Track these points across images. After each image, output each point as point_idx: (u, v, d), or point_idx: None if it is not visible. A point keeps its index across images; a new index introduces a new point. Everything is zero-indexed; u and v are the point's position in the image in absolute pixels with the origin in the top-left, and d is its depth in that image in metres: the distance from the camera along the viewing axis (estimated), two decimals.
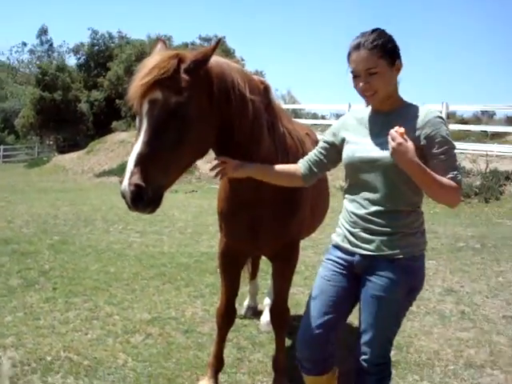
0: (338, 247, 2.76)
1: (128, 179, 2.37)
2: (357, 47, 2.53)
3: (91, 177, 22.75)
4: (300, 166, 2.89)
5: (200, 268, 6.71)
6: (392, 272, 2.55)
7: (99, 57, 39.59)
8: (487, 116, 40.42)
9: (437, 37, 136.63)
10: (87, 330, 4.65)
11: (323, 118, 36.39)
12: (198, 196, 8.53)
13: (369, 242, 2.59)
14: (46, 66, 38.65)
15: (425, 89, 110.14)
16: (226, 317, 3.66)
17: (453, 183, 2.47)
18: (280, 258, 3.46)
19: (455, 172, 2.50)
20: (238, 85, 2.80)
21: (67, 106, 37.44)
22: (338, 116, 19.91)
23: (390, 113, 2.62)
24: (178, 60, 2.54)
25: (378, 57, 2.49)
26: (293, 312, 5.20)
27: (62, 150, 37.11)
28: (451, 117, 17.34)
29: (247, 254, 3.66)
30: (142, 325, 4.82)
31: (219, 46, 2.70)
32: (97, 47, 40.52)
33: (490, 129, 18.35)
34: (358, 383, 2.77)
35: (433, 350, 4.52)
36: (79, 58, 41.85)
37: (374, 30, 2.55)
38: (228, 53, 39.07)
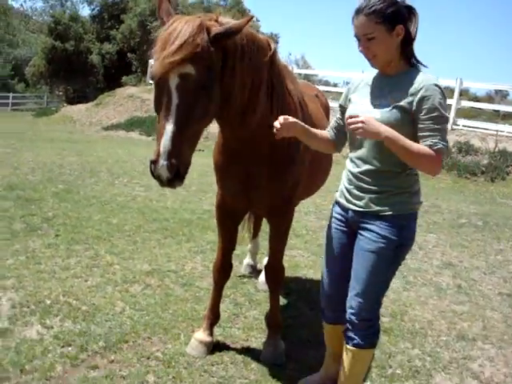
0: (337, 203, 2.93)
1: (165, 160, 2.39)
2: (357, 12, 2.56)
3: (99, 129, 22.72)
4: (328, 135, 2.96)
5: (202, 225, 6.76)
6: (379, 227, 2.66)
7: (113, 9, 39.03)
8: (500, 96, 40.07)
9: (456, 11, 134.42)
10: (87, 277, 4.71)
11: (335, 85, 36.18)
12: (204, 155, 8.52)
13: (359, 198, 2.73)
14: (59, 15, 38.23)
15: (440, 64, 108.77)
16: (222, 271, 3.71)
17: (431, 151, 2.50)
18: (274, 215, 3.50)
19: (435, 140, 2.51)
20: (247, 53, 2.80)
21: (78, 56, 37.14)
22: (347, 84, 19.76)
23: (392, 76, 2.67)
24: (207, 33, 2.51)
25: (375, 22, 2.51)
26: (292, 273, 5.30)
27: (71, 101, 36.98)
28: (464, 94, 17.17)
29: (243, 209, 3.67)
30: (142, 275, 4.89)
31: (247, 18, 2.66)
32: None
33: (502, 108, 18.13)
34: (346, 340, 2.86)
35: (426, 320, 4.57)
36: (93, 9, 41.29)
37: None
38: (244, 13, 38.57)
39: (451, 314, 4.76)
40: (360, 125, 2.45)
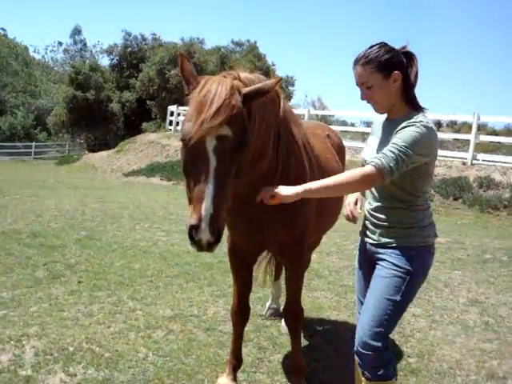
0: (360, 239, 3.09)
1: (208, 224, 2.37)
2: (355, 62, 2.71)
3: (120, 176, 22.98)
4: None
5: (223, 268, 6.73)
6: (390, 256, 2.78)
7: (132, 58, 39.93)
8: None
9: (472, 46, 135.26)
10: (110, 324, 4.70)
11: (352, 125, 36.34)
12: None
13: (373, 232, 2.89)
14: (80, 66, 39.18)
15: (456, 99, 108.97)
16: (240, 314, 3.70)
17: (357, 171, 2.60)
18: (286, 255, 3.51)
19: (376, 159, 2.56)
20: (261, 105, 2.85)
21: (99, 105, 37.86)
22: (367, 123, 19.80)
23: (393, 120, 2.77)
24: (239, 94, 2.56)
25: (371, 72, 2.66)
26: (316, 315, 5.24)
27: (92, 149, 37.58)
28: (482, 128, 17.14)
29: (254, 251, 3.66)
30: (164, 321, 4.87)
31: (277, 80, 2.71)
32: (130, 48, 40.85)
33: None
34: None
35: (455, 359, 4.46)
36: (112, 59, 42.26)
37: (372, 46, 2.69)
38: (259, 58, 39.18)
39: (480, 352, 4.64)
40: (272, 201, 2.69)
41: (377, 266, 2.84)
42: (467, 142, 16.39)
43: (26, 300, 5.13)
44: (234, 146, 2.49)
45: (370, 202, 2.91)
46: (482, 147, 16.57)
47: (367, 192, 2.93)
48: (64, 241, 7.75)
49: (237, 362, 3.74)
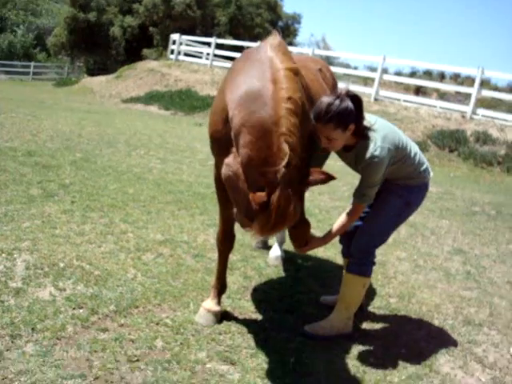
0: None
1: None
2: (316, 119, 3.14)
3: (118, 101, 22.78)
4: None
5: (216, 199, 6.79)
6: (392, 185, 3.63)
7: None
8: None
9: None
10: (101, 243, 4.78)
11: (355, 68, 35.90)
12: None
13: None
14: None
15: (462, 53, 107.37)
16: (225, 241, 3.78)
17: (346, 213, 3.51)
18: None
19: (358, 195, 3.44)
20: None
21: (100, 28, 37.12)
22: (370, 68, 19.54)
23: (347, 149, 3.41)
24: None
25: (332, 129, 3.13)
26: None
27: (92, 73, 37.08)
28: (485, 84, 16.95)
29: None
30: (154, 244, 4.96)
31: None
32: None
33: None
34: (345, 269, 3.81)
35: (434, 303, 4.60)
36: None
37: (329, 105, 3.09)
38: None
39: (459, 299, 4.78)
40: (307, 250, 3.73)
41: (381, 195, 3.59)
42: (469, 95, 16.28)
43: (19, 216, 5.17)
44: None
45: None
46: (482, 102, 16.46)
47: None
48: (59, 161, 7.75)
49: (221, 287, 3.84)
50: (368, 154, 3.25)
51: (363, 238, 3.68)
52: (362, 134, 3.28)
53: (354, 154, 3.37)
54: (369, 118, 3.36)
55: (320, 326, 3.77)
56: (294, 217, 2.84)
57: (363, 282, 3.72)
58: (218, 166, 3.48)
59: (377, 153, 3.25)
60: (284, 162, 2.69)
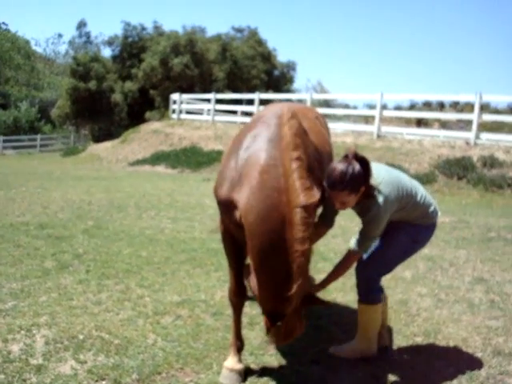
0: None
1: None
2: (331, 187, 3.36)
3: (125, 165, 23.02)
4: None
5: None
6: (400, 224, 3.86)
7: (133, 48, 39.67)
8: None
9: (473, 26, 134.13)
10: (118, 311, 4.75)
11: (355, 108, 36.18)
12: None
13: None
14: (81, 57, 39.18)
15: (460, 79, 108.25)
16: (239, 295, 3.78)
17: (342, 262, 3.77)
18: None
19: (356, 243, 3.69)
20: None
21: (101, 96, 37.85)
22: (369, 106, 19.69)
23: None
24: None
25: (347, 195, 3.38)
26: (322, 297, 5.27)
27: (97, 140, 37.59)
28: (485, 108, 16.95)
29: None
30: (172, 307, 4.92)
31: None
32: (130, 39, 40.60)
33: None
34: None
35: (461, 337, 4.51)
36: (113, 50, 42.07)
37: (342, 173, 3.31)
38: (260, 43, 39.00)
39: (485, 329, 4.69)
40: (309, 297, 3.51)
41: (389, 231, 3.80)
42: (470, 122, 16.34)
43: (36, 290, 5.17)
44: None
45: None
46: (485, 127, 16.50)
47: None
48: (71, 231, 7.80)
49: (240, 342, 3.80)
50: (370, 212, 3.55)
51: (369, 268, 3.93)
52: (370, 194, 3.52)
53: (359, 207, 3.64)
54: (375, 171, 3.55)
55: (344, 348, 4.10)
56: (300, 330, 3.27)
57: (374, 309, 3.97)
58: (224, 222, 3.60)
59: (378, 211, 3.54)
60: (294, 289, 3.00)
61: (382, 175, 3.61)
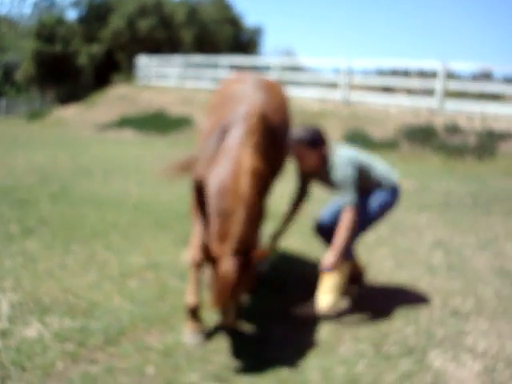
0: None
1: None
2: (295, 142, 4.10)
3: (91, 130, 22.67)
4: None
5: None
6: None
7: (99, 10, 38.76)
8: (485, 76, 39.80)
9: None
10: (84, 274, 4.77)
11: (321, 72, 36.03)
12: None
13: None
14: (46, 20, 38.11)
15: (423, 44, 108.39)
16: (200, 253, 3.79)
17: (343, 223, 3.99)
18: None
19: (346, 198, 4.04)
20: None
21: (67, 59, 36.97)
22: (336, 72, 19.61)
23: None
24: None
25: (308, 149, 4.08)
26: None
27: (63, 103, 36.88)
28: (450, 76, 16.97)
29: None
30: (138, 270, 4.97)
31: None
32: (96, 0, 39.67)
33: (488, 88, 18.03)
34: None
35: (420, 298, 4.64)
36: (79, 12, 41.02)
37: (305, 130, 4.14)
38: (227, 7, 38.49)
39: (444, 290, 4.83)
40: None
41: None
42: (432, 91, 16.44)
43: (1, 254, 5.15)
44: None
45: None
46: (449, 95, 16.63)
47: None
48: (37, 195, 7.74)
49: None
50: (336, 170, 4.07)
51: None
52: (328, 159, 4.13)
53: (327, 175, 4.18)
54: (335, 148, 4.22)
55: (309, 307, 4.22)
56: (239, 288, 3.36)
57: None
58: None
59: (342, 164, 4.06)
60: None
61: (340, 150, 4.22)
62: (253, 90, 4.11)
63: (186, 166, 5.14)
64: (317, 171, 4.22)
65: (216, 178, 3.57)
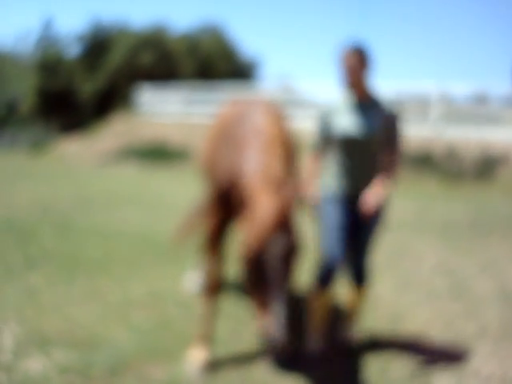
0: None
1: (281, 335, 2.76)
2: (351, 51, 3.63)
3: (93, 163, 22.78)
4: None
5: (196, 244, 6.84)
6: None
7: (101, 45, 39.25)
8: (481, 99, 40.01)
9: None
10: (88, 306, 4.78)
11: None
12: (198, 181, 8.69)
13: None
14: (48, 56, 38.66)
15: (419, 66, 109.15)
16: (215, 289, 3.83)
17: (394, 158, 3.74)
18: None
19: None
20: None
21: (69, 94, 37.46)
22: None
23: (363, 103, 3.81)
24: None
25: (360, 63, 3.65)
26: None
27: (64, 137, 37.13)
28: (446, 100, 17.03)
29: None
30: (141, 299, 4.97)
31: None
32: (97, 37, 40.15)
33: (485, 112, 18.09)
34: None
35: (422, 322, 4.65)
36: (81, 47, 41.55)
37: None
38: (226, 41, 39.01)
39: (446, 314, 4.84)
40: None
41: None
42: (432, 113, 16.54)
43: (3, 287, 5.17)
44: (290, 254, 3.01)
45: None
46: (446, 118, 16.71)
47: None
48: (40, 228, 7.77)
49: (210, 334, 3.87)
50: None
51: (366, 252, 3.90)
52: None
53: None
54: None
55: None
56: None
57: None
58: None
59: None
60: None
61: None
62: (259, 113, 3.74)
63: (194, 221, 5.38)
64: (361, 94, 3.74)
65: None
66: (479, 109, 17.23)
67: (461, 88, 17.36)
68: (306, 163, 3.91)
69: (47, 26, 52.66)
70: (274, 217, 2.90)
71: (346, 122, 3.69)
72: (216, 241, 3.75)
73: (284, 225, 2.93)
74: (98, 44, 39.40)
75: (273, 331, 2.72)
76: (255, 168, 3.21)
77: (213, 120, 4.19)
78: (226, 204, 3.56)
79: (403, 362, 3.91)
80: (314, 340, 4.00)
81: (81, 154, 25.11)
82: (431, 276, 5.94)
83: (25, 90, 44.87)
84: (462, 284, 5.68)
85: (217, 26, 40.59)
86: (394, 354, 4.04)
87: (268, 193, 3.04)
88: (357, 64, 3.57)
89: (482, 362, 3.95)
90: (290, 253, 2.93)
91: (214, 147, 3.81)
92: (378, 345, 4.18)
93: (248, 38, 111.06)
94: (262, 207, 2.96)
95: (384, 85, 19.11)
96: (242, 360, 3.88)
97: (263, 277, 2.87)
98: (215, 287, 3.82)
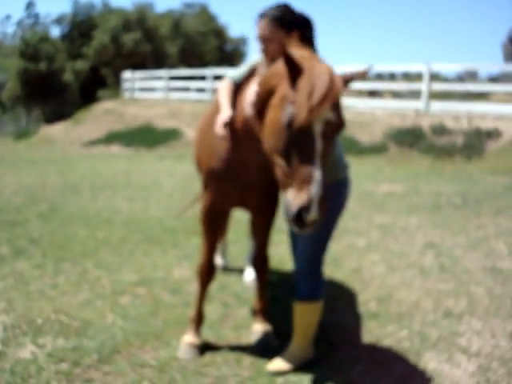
0: None
1: (317, 204, 2.51)
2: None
3: (78, 147, 22.62)
4: None
5: (186, 230, 6.83)
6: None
7: (82, 26, 38.82)
8: (470, 76, 40.21)
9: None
10: (76, 293, 4.75)
11: None
12: (184, 162, 8.56)
13: None
14: (30, 38, 38.11)
15: (408, 47, 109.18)
16: (211, 273, 3.82)
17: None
18: (265, 211, 3.73)
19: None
20: None
21: (52, 77, 36.97)
22: None
23: None
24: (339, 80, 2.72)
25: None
26: (279, 268, 5.39)
27: (49, 121, 36.79)
28: (434, 77, 17.07)
29: (229, 211, 3.88)
30: (130, 286, 4.95)
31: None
32: (79, 17, 39.68)
33: (473, 88, 18.19)
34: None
35: (413, 301, 4.67)
36: (63, 29, 41.05)
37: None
38: (211, 19, 38.67)
39: (436, 292, 4.86)
40: None
41: None
42: (421, 91, 16.54)
43: None
44: (335, 130, 2.66)
45: None
46: (435, 96, 16.75)
47: None
48: (26, 215, 7.70)
49: (201, 318, 3.87)
50: None
51: (308, 247, 3.41)
52: None
53: None
54: None
55: (282, 361, 3.53)
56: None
57: (318, 307, 3.53)
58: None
59: None
60: None
61: None
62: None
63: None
64: None
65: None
66: (468, 85, 17.27)
67: (450, 66, 17.35)
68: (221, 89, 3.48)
69: (28, 8, 52.12)
70: (330, 85, 2.60)
71: None
72: (212, 220, 3.71)
73: (337, 98, 2.66)
74: (80, 25, 38.99)
75: (300, 206, 2.52)
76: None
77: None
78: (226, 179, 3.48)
79: (393, 341, 3.93)
80: None
81: (65, 138, 24.95)
82: (421, 254, 5.96)
83: (6, 75, 44.36)
84: (453, 262, 5.71)
85: (201, 3, 40.33)
86: (384, 332, 4.06)
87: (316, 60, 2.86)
88: (270, 33, 3.16)
89: (472, 338, 3.97)
90: (335, 131, 2.69)
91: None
92: (367, 328, 4.19)
93: (232, 18, 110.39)
94: (316, 72, 2.66)
95: (376, 66, 19.19)
96: (233, 344, 3.87)
97: (305, 148, 2.60)
98: (207, 270, 3.80)
